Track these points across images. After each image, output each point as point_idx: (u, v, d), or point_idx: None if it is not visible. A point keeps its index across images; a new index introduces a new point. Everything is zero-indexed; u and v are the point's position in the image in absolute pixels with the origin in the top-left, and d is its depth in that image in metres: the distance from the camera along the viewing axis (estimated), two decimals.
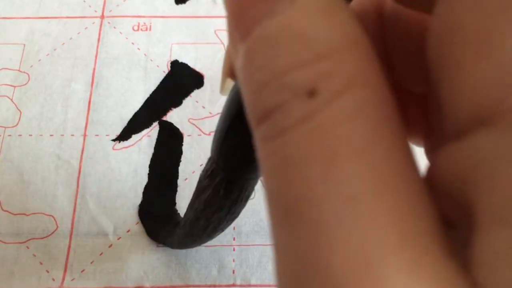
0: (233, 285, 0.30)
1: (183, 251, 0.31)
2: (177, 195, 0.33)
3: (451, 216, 0.10)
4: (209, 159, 0.21)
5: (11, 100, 0.36)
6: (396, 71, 0.16)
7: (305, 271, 0.09)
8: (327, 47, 0.09)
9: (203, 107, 0.36)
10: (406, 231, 0.09)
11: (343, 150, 0.09)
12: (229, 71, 0.18)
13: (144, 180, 0.34)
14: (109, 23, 0.40)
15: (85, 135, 0.35)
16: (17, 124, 0.35)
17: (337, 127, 0.09)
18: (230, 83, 0.18)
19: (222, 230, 0.24)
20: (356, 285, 0.08)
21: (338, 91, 0.09)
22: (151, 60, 0.38)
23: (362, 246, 0.08)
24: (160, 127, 0.35)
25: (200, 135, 0.35)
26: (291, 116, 0.09)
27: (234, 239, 0.32)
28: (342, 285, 0.08)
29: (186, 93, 0.37)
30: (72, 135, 0.35)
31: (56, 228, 0.32)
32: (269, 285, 0.30)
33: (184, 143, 0.35)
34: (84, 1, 0.40)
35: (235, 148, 0.19)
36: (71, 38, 0.39)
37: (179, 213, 0.32)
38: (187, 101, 0.36)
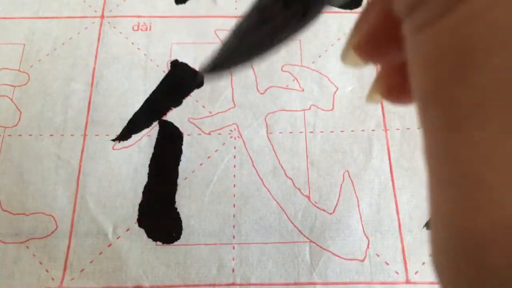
0: (233, 284, 0.30)
1: (182, 250, 0.31)
2: (177, 194, 0.33)
3: None
4: None
5: (11, 100, 0.36)
6: None
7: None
8: None
9: (203, 107, 0.36)
10: None
11: (480, 43, 0.08)
12: (357, 45, 0.16)
13: (144, 179, 0.33)
14: (109, 23, 0.40)
15: (85, 135, 0.35)
16: (17, 124, 0.35)
17: (475, 20, 0.08)
18: (354, 58, 0.17)
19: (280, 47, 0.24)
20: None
21: None
22: (151, 60, 0.38)
23: None
24: (160, 127, 0.35)
25: (200, 134, 0.35)
26: (431, 11, 0.09)
27: (233, 237, 0.31)
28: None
29: (186, 93, 0.37)
30: (72, 135, 0.35)
31: (56, 228, 0.32)
32: (269, 284, 0.30)
33: (184, 143, 0.35)
34: (84, 1, 0.41)
35: None
36: (71, 38, 0.39)
37: (179, 212, 0.32)
38: (187, 101, 0.36)
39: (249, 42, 0.24)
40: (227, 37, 0.26)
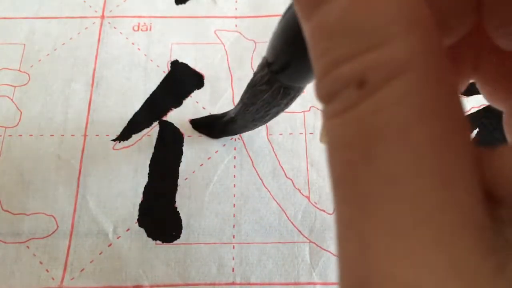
0: (233, 283, 0.30)
1: (182, 249, 0.31)
2: (177, 194, 0.33)
3: (499, 193, 0.10)
4: (264, 66, 0.23)
5: (12, 100, 0.36)
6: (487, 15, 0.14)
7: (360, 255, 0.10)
8: (379, 35, 0.10)
9: (203, 108, 0.36)
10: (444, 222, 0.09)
11: (382, 135, 0.10)
12: None
13: (144, 179, 0.34)
14: (109, 23, 0.40)
15: (85, 135, 0.35)
16: (17, 124, 0.35)
17: (379, 113, 0.10)
18: None
19: (277, 115, 0.28)
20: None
21: (384, 80, 0.10)
22: (151, 60, 0.38)
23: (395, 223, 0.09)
24: (160, 127, 0.35)
25: (200, 135, 0.35)
26: (342, 103, 0.10)
27: (233, 236, 0.32)
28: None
29: (186, 94, 0.37)
30: (73, 135, 0.35)
31: (57, 228, 0.32)
32: (269, 283, 0.30)
33: (184, 143, 0.35)
34: (85, 1, 0.41)
35: (297, 60, 0.20)
36: (71, 38, 0.39)
37: (179, 211, 0.32)
38: (187, 102, 0.36)
39: (247, 113, 0.28)
40: (234, 108, 0.30)
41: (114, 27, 0.39)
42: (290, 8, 0.19)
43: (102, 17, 0.40)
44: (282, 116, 0.35)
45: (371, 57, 0.10)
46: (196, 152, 0.34)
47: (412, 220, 0.09)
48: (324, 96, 0.11)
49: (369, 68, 0.10)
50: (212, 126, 0.35)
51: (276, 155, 0.34)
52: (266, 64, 0.23)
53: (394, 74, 0.09)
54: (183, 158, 0.34)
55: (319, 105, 0.36)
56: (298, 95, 0.24)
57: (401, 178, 0.09)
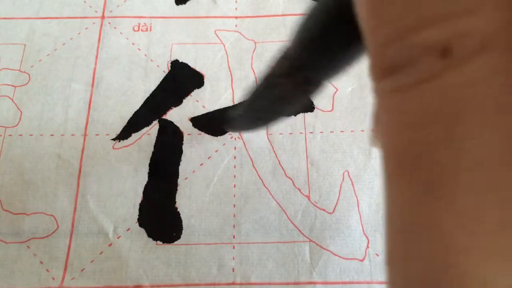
0: (233, 283, 0.30)
1: (183, 249, 0.31)
2: (177, 194, 0.33)
3: None
4: (284, 57, 0.22)
5: (12, 100, 0.36)
6: None
7: (417, 222, 0.09)
8: (467, 2, 0.09)
9: (203, 107, 0.36)
10: None
11: (471, 112, 0.09)
12: None
13: (144, 179, 0.34)
14: (109, 23, 0.40)
15: (85, 135, 0.35)
16: (17, 124, 0.35)
17: (467, 88, 0.09)
18: None
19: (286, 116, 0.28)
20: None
21: (473, 52, 0.09)
22: (152, 60, 0.38)
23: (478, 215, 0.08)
24: (160, 126, 0.35)
25: (200, 134, 0.35)
26: (420, 73, 0.09)
27: (234, 236, 0.32)
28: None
29: (186, 93, 0.37)
30: (73, 134, 0.35)
31: (57, 228, 0.32)
32: (269, 283, 0.30)
33: (184, 142, 0.35)
34: (85, 2, 0.41)
35: (321, 52, 0.19)
36: (71, 38, 0.39)
37: (179, 212, 0.32)
38: (187, 100, 0.36)
39: (258, 107, 0.26)
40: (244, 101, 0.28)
41: (115, 27, 0.39)
42: None
43: (103, 17, 0.40)
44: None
45: (460, 24, 0.09)
46: (196, 151, 0.35)
47: (501, 217, 0.08)
48: (388, 67, 0.10)
49: (456, 36, 0.09)
50: (213, 122, 0.35)
51: (276, 155, 0.34)
52: (288, 55, 0.22)
53: (485, 46, 0.08)
54: (183, 158, 0.34)
55: (319, 105, 0.36)
56: (316, 92, 0.23)
57: (493, 164, 0.08)
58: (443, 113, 0.09)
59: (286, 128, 0.35)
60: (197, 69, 0.38)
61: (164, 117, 0.36)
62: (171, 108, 0.36)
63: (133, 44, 0.39)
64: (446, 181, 0.09)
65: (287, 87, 0.22)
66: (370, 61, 0.11)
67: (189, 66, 0.38)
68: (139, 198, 0.33)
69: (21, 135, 0.35)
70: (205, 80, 0.37)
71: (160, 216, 0.32)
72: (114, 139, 0.35)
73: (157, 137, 0.35)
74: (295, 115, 0.26)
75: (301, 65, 0.21)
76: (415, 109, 0.09)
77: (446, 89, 0.09)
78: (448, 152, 0.09)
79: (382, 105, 0.10)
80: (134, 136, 0.35)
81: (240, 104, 0.31)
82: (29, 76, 0.37)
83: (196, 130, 0.35)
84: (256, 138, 0.35)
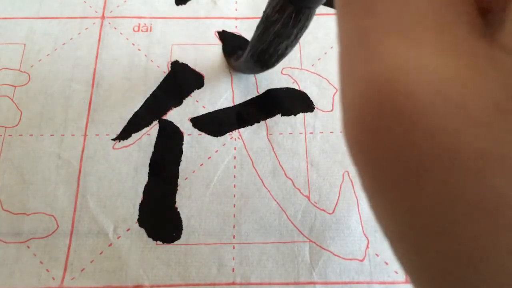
0: (233, 283, 0.30)
1: (183, 249, 0.31)
2: (177, 194, 0.33)
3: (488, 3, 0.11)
4: None
5: (12, 100, 0.36)
6: None
7: (356, 39, 0.11)
8: None
9: (203, 107, 0.36)
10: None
11: None
12: None
13: (144, 179, 0.34)
14: (109, 23, 0.40)
15: (85, 135, 0.35)
16: (17, 124, 0.35)
17: None
18: None
19: (285, 55, 0.30)
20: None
21: None
22: (152, 60, 0.38)
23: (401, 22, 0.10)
24: (160, 126, 0.35)
25: (200, 134, 0.35)
26: None
27: (234, 237, 0.32)
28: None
29: (187, 94, 0.37)
30: (73, 134, 0.35)
31: (57, 228, 0.32)
32: (269, 283, 0.30)
33: (184, 142, 0.35)
34: (85, 2, 0.41)
35: None
36: (71, 39, 0.39)
37: (179, 212, 0.32)
38: (187, 101, 0.36)
39: (259, 49, 0.29)
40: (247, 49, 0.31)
41: (115, 28, 0.39)
42: None
43: (103, 17, 0.40)
44: (282, 117, 0.36)
45: None
46: (196, 151, 0.35)
47: (417, 15, 0.10)
48: None
49: None
50: (213, 123, 0.36)
51: (276, 155, 0.34)
52: None
53: None
54: (183, 158, 0.34)
55: (319, 105, 0.36)
56: (307, 23, 0.26)
57: None
58: None
59: (286, 128, 0.35)
60: (197, 69, 0.38)
61: (164, 117, 0.36)
62: (171, 109, 0.36)
63: (133, 44, 0.39)
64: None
65: (281, 22, 0.25)
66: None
67: (189, 67, 0.38)
68: (139, 198, 0.33)
69: (21, 135, 0.35)
70: (205, 80, 0.37)
71: (160, 216, 0.32)
72: (114, 139, 0.35)
73: (157, 137, 0.35)
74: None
75: None
76: None
77: None
78: None
79: None
80: (134, 136, 0.35)
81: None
82: (29, 76, 0.37)
83: (196, 131, 0.35)
84: (256, 138, 0.35)
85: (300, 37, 0.27)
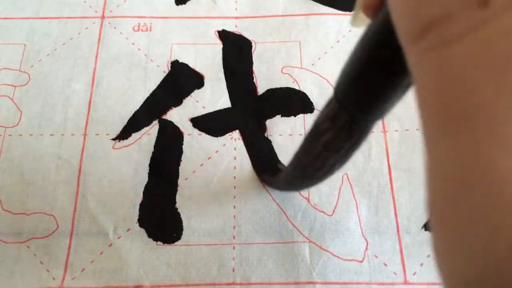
0: (233, 283, 0.30)
1: (183, 250, 0.31)
2: (177, 194, 0.33)
3: None
4: (330, 102, 0.22)
5: (12, 100, 0.36)
6: None
7: (470, 172, 0.09)
8: None
9: (203, 107, 0.36)
10: None
11: None
12: (366, 4, 0.17)
13: (144, 179, 0.34)
14: (109, 23, 0.40)
15: (85, 135, 0.35)
16: (17, 124, 0.35)
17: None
18: (363, 18, 0.18)
19: (332, 173, 0.25)
20: None
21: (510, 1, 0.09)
22: (152, 60, 0.38)
23: None
24: (160, 126, 0.35)
25: (200, 134, 0.35)
26: (460, 26, 0.09)
27: (234, 237, 0.32)
28: (508, 187, 0.08)
29: (186, 93, 0.37)
30: (72, 134, 0.35)
31: (57, 228, 0.32)
32: (269, 283, 0.30)
33: (184, 142, 0.35)
34: (85, 2, 0.41)
35: (367, 89, 0.19)
36: (71, 38, 0.39)
37: (179, 212, 0.32)
38: (187, 101, 0.36)
39: (305, 162, 0.25)
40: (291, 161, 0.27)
41: (114, 27, 0.39)
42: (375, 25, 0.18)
43: (103, 17, 0.40)
44: (282, 117, 0.36)
45: None
46: (196, 151, 0.35)
47: None
48: (424, 25, 0.10)
49: None
50: (213, 123, 0.35)
51: (276, 156, 0.34)
52: (333, 98, 0.21)
53: None
54: (183, 158, 0.34)
55: (318, 106, 0.36)
56: (362, 139, 0.22)
57: None
58: (489, 61, 0.09)
59: (286, 129, 0.35)
60: (197, 69, 0.38)
61: (164, 117, 0.36)
62: (171, 108, 0.36)
63: (133, 44, 0.39)
64: (498, 121, 0.09)
65: (333, 133, 0.21)
66: (403, 26, 0.11)
67: (189, 67, 0.38)
68: (139, 198, 0.33)
69: (21, 135, 0.35)
70: (205, 80, 0.37)
71: (160, 216, 0.32)
72: (114, 139, 0.35)
73: (157, 137, 0.35)
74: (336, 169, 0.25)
75: (346, 105, 0.20)
76: (461, 60, 0.09)
77: (491, 38, 0.09)
78: (496, 95, 0.09)
79: (421, 65, 0.10)
80: (134, 136, 0.35)
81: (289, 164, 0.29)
82: (29, 76, 0.37)
83: (196, 131, 0.35)
84: (256, 138, 0.35)
85: (351, 154, 0.23)
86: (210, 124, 0.36)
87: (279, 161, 0.34)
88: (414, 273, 0.30)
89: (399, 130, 0.35)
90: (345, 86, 0.20)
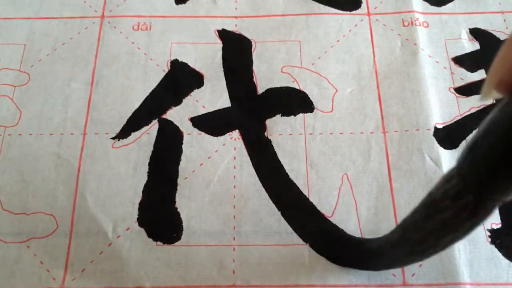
0: (233, 285, 0.30)
1: (183, 250, 0.31)
2: (177, 194, 0.33)
3: None
4: (450, 177, 0.20)
5: (12, 100, 0.36)
6: None
7: None
8: None
9: (203, 107, 0.36)
10: None
11: None
12: (500, 82, 0.17)
13: (144, 178, 0.34)
14: (109, 23, 0.40)
15: (84, 134, 0.35)
16: (17, 123, 0.35)
17: None
18: (495, 94, 0.17)
19: (445, 249, 0.23)
20: None
21: None
22: (151, 59, 0.38)
23: None
24: (159, 125, 0.35)
25: (200, 134, 0.35)
26: None
27: (234, 239, 0.32)
28: None
29: (186, 93, 0.37)
30: (72, 134, 0.35)
31: (57, 228, 0.32)
32: (269, 286, 0.30)
33: (184, 142, 0.35)
34: (85, 1, 0.41)
35: (500, 167, 0.17)
36: (71, 38, 0.39)
37: (179, 212, 0.32)
38: (187, 100, 0.36)
39: (413, 239, 0.23)
40: (392, 231, 0.25)
41: (114, 27, 0.39)
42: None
43: (102, 17, 0.40)
44: (282, 117, 0.36)
45: None
46: (196, 151, 0.35)
47: None
48: None
49: None
50: (213, 122, 0.35)
51: (276, 156, 0.34)
52: (455, 173, 0.20)
53: None
54: (183, 157, 0.34)
55: (318, 106, 0.36)
56: (485, 218, 0.20)
57: None
58: None
59: (286, 129, 0.35)
60: (197, 69, 0.38)
61: (164, 116, 0.36)
62: (170, 108, 0.36)
63: (132, 43, 0.39)
64: None
65: (453, 211, 0.20)
66: None
67: (188, 66, 0.38)
68: (138, 197, 0.33)
69: (21, 134, 0.35)
70: (204, 80, 0.37)
71: (160, 216, 0.32)
72: (113, 138, 0.35)
73: (157, 137, 0.35)
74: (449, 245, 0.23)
75: (472, 182, 0.19)
76: None
77: None
78: None
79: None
80: (134, 135, 0.35)
81: (378, 239, 0.28)
82: (29, 76, 0.37)
83: (196, 130, 0.35)
84: (256, 138, 0.35)
85: (470, 232, 0.21)
86: (210, 123, 0.36)
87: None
88: (413, 275, 0.30)
89: (399, 131, 0.35)
90: (474, 161, 0.18)
